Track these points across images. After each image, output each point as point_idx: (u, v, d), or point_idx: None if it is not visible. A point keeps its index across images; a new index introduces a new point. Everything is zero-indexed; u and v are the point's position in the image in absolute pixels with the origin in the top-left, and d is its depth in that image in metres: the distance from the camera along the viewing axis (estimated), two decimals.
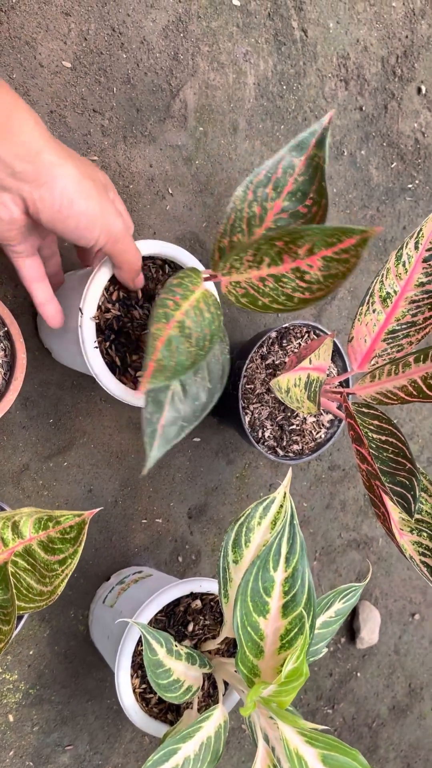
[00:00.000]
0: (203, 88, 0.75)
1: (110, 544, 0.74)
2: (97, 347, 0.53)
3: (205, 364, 0.44)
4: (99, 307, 0.54)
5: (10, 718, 0.68)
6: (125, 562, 0.74)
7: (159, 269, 0.58)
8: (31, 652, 0.69)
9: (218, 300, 0.46)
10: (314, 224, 0.45)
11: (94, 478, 0.72)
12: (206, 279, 0.46)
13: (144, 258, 0.56)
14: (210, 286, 0.54)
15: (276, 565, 0.50)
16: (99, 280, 0.53)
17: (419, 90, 0.90)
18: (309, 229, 0.38)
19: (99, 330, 0.54)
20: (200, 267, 0.55)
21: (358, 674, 0.94)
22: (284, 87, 0.81)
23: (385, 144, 0.89)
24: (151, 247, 0.55)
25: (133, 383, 0.56)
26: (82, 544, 0.45)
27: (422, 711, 1.00)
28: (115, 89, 0.70)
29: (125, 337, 0.56)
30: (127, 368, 0.56)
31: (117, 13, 0.69)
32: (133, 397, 0.54)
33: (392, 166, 0.90)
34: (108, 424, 0.72)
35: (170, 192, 0.74)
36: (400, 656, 0.98)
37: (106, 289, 0.55)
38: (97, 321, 0.54)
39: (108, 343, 0.55)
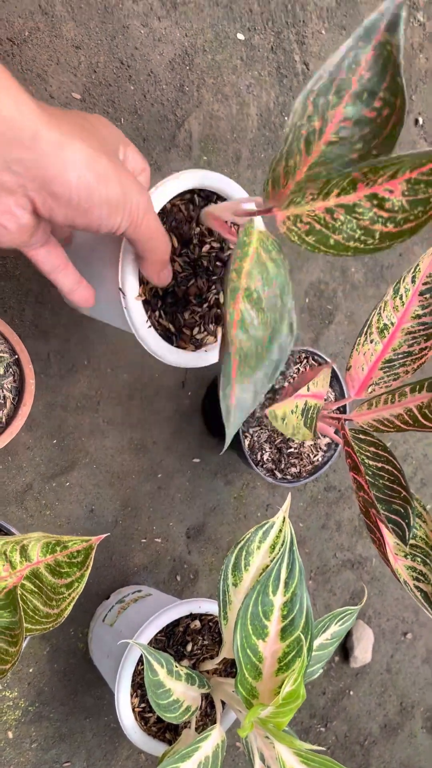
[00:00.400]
0: (207, 119, 0.78)
1: (110, 563, 0.75)
2: (150, 326, 0.48)
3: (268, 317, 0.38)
4: (139, 281, 0.48)
5: (10, 734, 0.69)
6: (125, 581, 0.76)
7: (188, 203, 0.49)
8: (31, 670, 0.70)
9: (276, 240, 0.38)
10: (386, 131, 0.36)
11: (95, 498, 0.73)
12: (257, 213, 0.39)
13: (173, 198, 0.48)
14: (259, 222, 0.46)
15: (275, 590, 0.51)
16: (129, 260, 0.46)
17: (416, 121, 0.93)
18: (394, 158, 0.32)
19: (145, 303, 0.48)
20: (244, 194, 0.49)
21: (351, 693, 0.95)
22: (286, 118, 0.83)
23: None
24: (186, 181, 0.47)
25: (194, 344, 0.51)
26: (89, 568, 0.46)
27: (413, 729, 1.02)
28: (122, 119, 0.72)
29: (172, 297, 0.49)
30: (181, 331, 0.51)
31: (125, 47, 0.71)
32: (200, 359, 0.51)
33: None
34: (110, 445, 0.74)
35: None
36: (392, 675, 0.99)
37: None
38: (143, 298, 0.48)
39: (157, 313, 0.49)
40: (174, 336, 0.50)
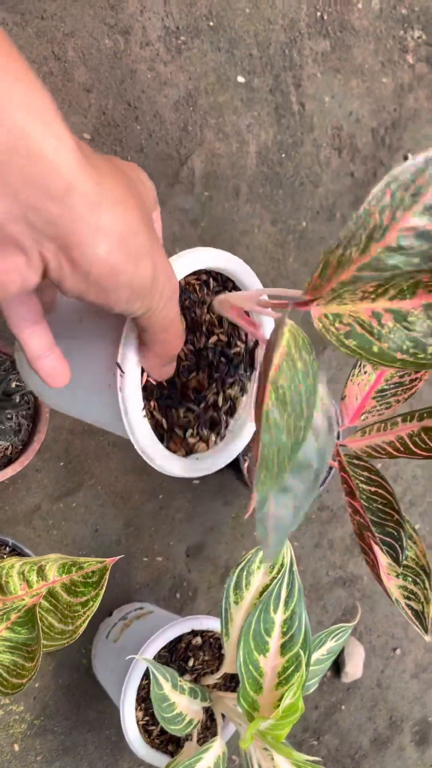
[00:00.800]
0: (209, 157, 0.82)
1: (113, 581, 0.78)
2: (145, 416, 0.39)
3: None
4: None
5: (16, 747, 0.72)
6: (127, 598, 0.79)
7: (203, 285, 0.43)
8: (36, 685, 0.73)
9: (307, 338, 0.33)
10: None
11: (100, 518, 0.77)
12: (292, 305, 0.34)
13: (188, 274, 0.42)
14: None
15: (276, 608, 0.54)
16: (133, 332, 0.38)
17: (406, 158, 0.98)
18: None
19: (142, 388, 0.40)
20: (260, 285, 0.44)
21: (343, 707, 0.98)
22: (283, 155, 0.87)
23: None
24: (201, 260, 0.40)
25: (184, 448, 0.43)
26: (104, 587, 0.49)
27: (402, 743, 1.05)
28: (129, 157, 0.76)
29: (169, 386, 0.42)
30: (173, 431, 0.43)
31: (133, 90, 0.75)
32: (191, 468, 0.42)
33: None
34: (114, 467, 0.77)
35: (177, 252, 0.80)
36: (383, 690, 1.02)
37: None
38: (144, 385, 0.40)
39: (153, 403, 0.41)
40: (165, 434, 0.42)
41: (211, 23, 0.80)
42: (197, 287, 0.42)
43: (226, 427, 0.45)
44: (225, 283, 0.43)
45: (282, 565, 0.57)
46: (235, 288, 0.43)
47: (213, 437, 0.44)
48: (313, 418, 0.31)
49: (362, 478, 0.65)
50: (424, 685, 1.06)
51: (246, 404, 0.46)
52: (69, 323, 0.42)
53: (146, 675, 0.64)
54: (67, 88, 0.71)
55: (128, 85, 0.75)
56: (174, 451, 0.42)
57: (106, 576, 0.50)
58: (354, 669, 0.96)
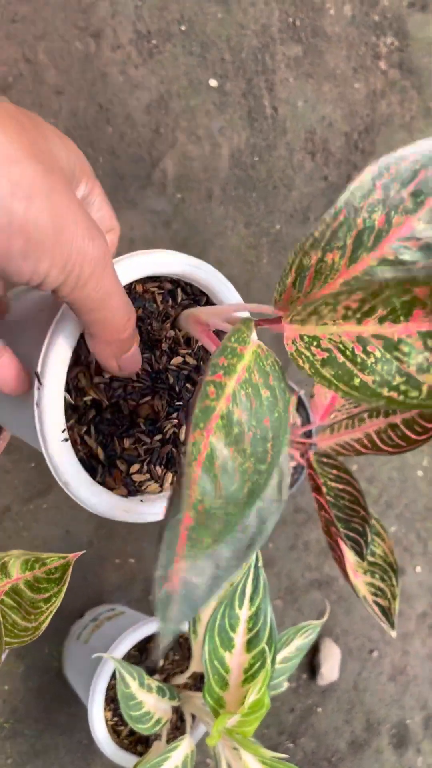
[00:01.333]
0: (182, 159, 0.82)
1: (85, 583, 0.78)
2: (67, 439, 0.32)
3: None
4: (72, 372, 0.33)
5: None
6: (99, 600, 0.78)
7: (168, 296, 0.36)
8: (6, 687, 0.72)
9: (278, 362, 0.28)
10: None
11: (71, 519, 0.76)
12: (261, 322, 0.28)
13: (145, 280, 0.35)
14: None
15: (241, 604, 0.55)
16: (65, 333, 0.31)
17: None
18: None
19: (72, 407, 0.34)
20: (237, 296, 0.36)
21: (319, 710, 0.98)
22: (256, 158, 0.88)
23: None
24: (158, 263, 0.33)
25: (126, 487, 0.35)
26: (66, 583, 0.49)
27: (379, 746, 1.04)
28: (101, 159, 0.77)
29: (113, 410, 0.35)
30: (114, 463, 0.35)
31: (104, 92, 0.76)
32: (130, 512, 0.34)
33: None
34: None
35: None
36: (359, 692, 1.02)
37: (82, 336, 0.32)
38: (67, 399, 0.33)
39: (85, 427, 0.34)
40: (101, 466, 0.34)
41: (183, 27, 0.81)
42: (158, 296, 0.35)
43: None
44: (197, 296, 0.36)
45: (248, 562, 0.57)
46: (210, 303, 0.37)
47: (170, 477, 0.36)
48: (278, 462, 0.25)
49: (331, 476, 0.65)
50: (401, 687, 1.06)
51: None
52: (17, 332, 0.36)
53: (115, 675, 0.64)
54: (38, 90, 0.72)
55: (99, 87, 0.75)
56: (111, 488, 0.34)
57: (69, 572, 0.49)
58: (330, 671, 0.96)
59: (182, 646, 0.68)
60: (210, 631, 0.53)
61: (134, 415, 0.35)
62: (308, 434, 0.78)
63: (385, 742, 1.05)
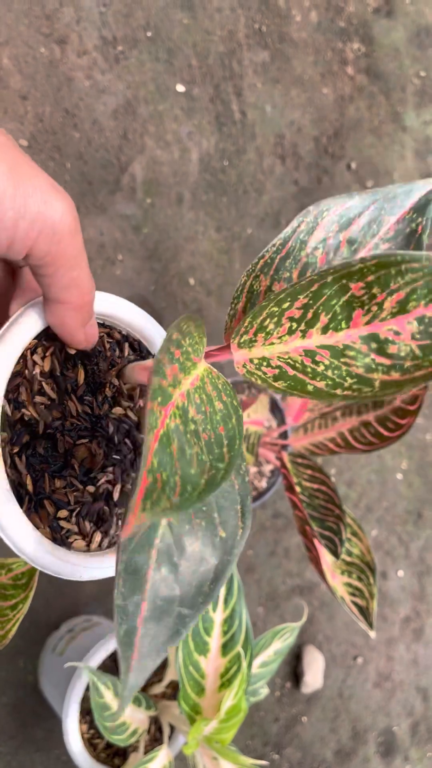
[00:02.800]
0: (151, 164, 0.82)
1: (61, 594, 0.76)
2: None
3: (212, 496, 0.26)
4: (13, 382, 0.31)
5: None
6: (75, 612, 0.77)
7: (117, 346, 0.35)
8: None
9: (229, 384, 0.28)
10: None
11: None
12: (210, 353, 0.29)
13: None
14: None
15: (215, 607, 0.53)
16: (21, 330, 0.30)
17: (348, 166, 0.99)
18: (412, 269, 0.24)
19: (6, 422, 0.31)
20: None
21: (304, 719, 0.97)
22: (226, 163, 0.88)
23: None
24: (104, 304, 0.33)
25: (52, 531, 0.31)
26: (33, 589, 0.48)
27: (366, 754, 1.03)
28: (68, 164, 0.76)
29: (48, 442, 0.32)
30: (43, 500, 0.32)
31: (71, 97, 0.75)
32: (52, 558, 0.29)
33: None
34: None
35: (120, 258, 0.80)
36: (344, 700, 1.01)
37: (30, 351, 0.32)
38: (5, 409, 0.31)
39: (17, 448, 0.31)
40: (27, 498, 0.31)
41: (149, 34, 0.81)
42: (106, 344, 0.35)
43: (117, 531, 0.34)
44: (144, 355, 0.36)
45: None
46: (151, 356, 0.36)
47: (98, 537, 0.32)
48: (236, 463, 0.25)
49: (305, 476, 0.64)
50: (386, 693, 1.05)
51: None
52: None
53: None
54: (2, 95, 0.71)
55: (65, 92, 0.75)
56: (35, 524, 0.31)
57: (36, 577, 0.48)
58: (314, 679, 0.95)
59: None
60: None
61: (69, 456, 0.33)
62: (283, 435, 0.77)
63: (372, 751, 1.04)
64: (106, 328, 0.35)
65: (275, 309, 0.26)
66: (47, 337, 0.32)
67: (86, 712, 0.63)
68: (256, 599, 0.92)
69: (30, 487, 0.31)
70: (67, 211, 0.26)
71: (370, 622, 0.59)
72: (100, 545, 0.32)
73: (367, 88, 1.00)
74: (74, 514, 0.32)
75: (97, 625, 0.72)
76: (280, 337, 0.27)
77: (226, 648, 0.54)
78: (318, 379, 0.27)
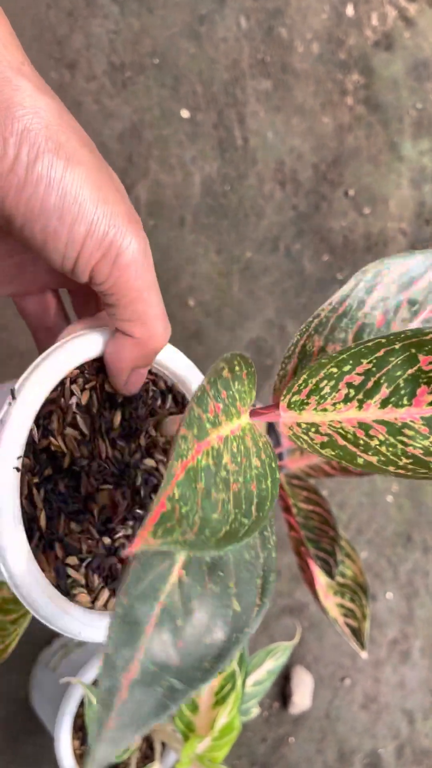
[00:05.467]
0: (154, 187, 0.84)
1: None
2: (18, 469, 0.27)
3: (231, 559, 0.23)
4: (47, 408, 0.29)
5: None
6: None
7: (160, 395, 0.33)
8: None
9: (271, 445, 0.26)
10: None
11: None
12: (257, 410, 0.26)
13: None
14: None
15: None
16: (67, 354, 0.28)
17: (346, 193, 1.01)
18: None
19: (31, 448, 0.29)
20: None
21: (291, 739, 0.97)
22: (227, 187, 0.90)
23: (317, 239, 0.99)
24: (167, 354, 0.32)
25: (57, 577, 0.28)
26: None
27: None
28: None
29: (71, 481, 0.30)
30: (53, 542, 0.29)
31: (79, 121, 0.77)
32: (58, 608, 0.27)
33: (324, 259, 1.00)
34: None
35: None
36: (331, 721, 1.01)
37: (71, 380, 0.29)
38: (32, 433, 0.28)
39: (38, 480, 0.29)
40: (38, 536, 0.28)
41: (156, 61, 0.83)
42: (150, 391, 0.33)
43: None
44: (180, 401, 0.33)
45: None
46: None
47: (105, 595, 0.29)
48: (263, 524, 0.22)
49: (301, 497, 0.66)
50: (373, 715, 1.05)
51: None
52: None
53: (83, 702, 0.63)
54: None
55: (74, 116, 0.77)
56: (44, 570, 0.28)
57: None
58: (302, 699, 0.95)
59: None
60: None
61: (90, 500, 0.30)
62: (279, 456, 0.78)
63: None
64: (152, 375, 0.33)
65: (334, 370, 0.24)
66: (91, 370, 0.30)
67: (78, 728, 0.64)
68: None
69: (42, 524, 0.28)
70: (135, 242, 0.25)
71: (362, 642, 0.60)
72: (105, 605, 0.29)
73: (366, 118, 1.02)
74: (84, 564, 0.29)
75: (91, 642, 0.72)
76: (334, 404, 0.25)
77: None
78: (370, 453, 0.25)
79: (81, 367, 0.30)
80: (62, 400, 0.29)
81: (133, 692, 0.19)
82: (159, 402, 0.33)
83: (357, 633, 0.61)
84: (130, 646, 0.20)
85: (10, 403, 0.27)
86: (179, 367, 0.32)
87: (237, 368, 0.24)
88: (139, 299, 0.26)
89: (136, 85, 0.81)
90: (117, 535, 0.30)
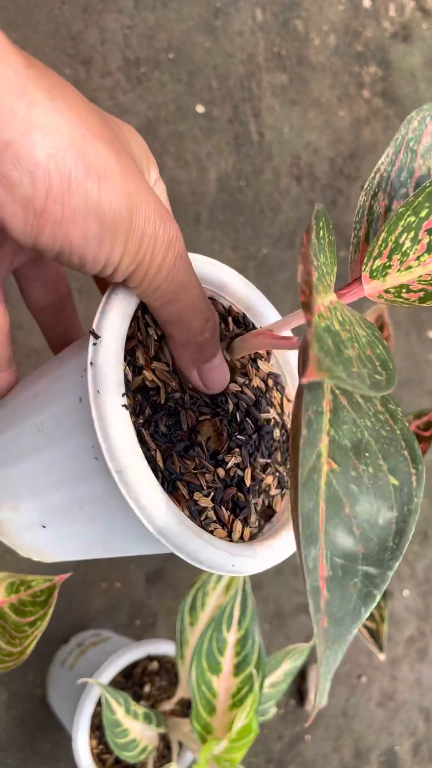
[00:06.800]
0: (170, 183, 0.83)
1: (70, 608, 0.77)
2: (126, 406, 0.25)
3: (370, 439, 0.23)
4: (129, 344, 0.27)
5: None
6: (84, 626, 0.77)
7: (221, 319, 0.31)
8: None
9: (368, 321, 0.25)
10: None
11: None
12: (338, 293, 0.25)
13: None
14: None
15: (229, 627, 0.54)
16: (123, 299, 0.26)
17: (363, 187, 1.00)
18: None
19: (127, 387, 0.27)
20: (276, 315, 0.32)
21: (307, 737, 0.97)
22: (243, 183, 0.89)
23: (334, 234, 0.98)
24: (207, 270, 0.30)
25: (191, 517, 0.27)
26: (52, 606, 0.48)
27: None
28: None
29: (170, 419, 0.28)
30: (176, 481, 0.27)
31: None
32: (211, 545, 0.26)
33: (341, 254, 0.99)
34: None
35: None
36: (348, 718, 1.01)
37: (142, 311, 0.28)
38: (125, 372, 0.27)
39: (141, 420, 0.27)
40: (162, 477, 0.27)
41: (171, 56, 0.82)
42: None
43: (258, 525, 0.30)
44: (249, 328, 0.32)
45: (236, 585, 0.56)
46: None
47: (239, 526, 0.28)
48: (393, 382, 0.21)
49: None
50: (390, 713, 1.05)
51: (286, 514, 0.30)
52: (21, 426, 0.29)
53: (100, 702, 0.63)
54: None
55: None
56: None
57: (55, 594, 0.49)
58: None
59: (169, 671, 0.67)
60: (197, 655, 0.53)
61: (195, 432, 0.29)
62: None
63: None
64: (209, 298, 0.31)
65: (412, 219, 0.23)
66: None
67: (95, 727, 0.64)
68: (262, 616, 0.92)
69: (161, 465, 0.27)
70: (167, 240, 0.24)
71: (381, 644, 0.59)
72: (242, 536, 0.28)
73: (383, 111, 1.01)
74: (214, 501, 0.28)
75: (107, 639, 0.72)
76: (418, 258, 0.24)
77: (238, 668, 0.54)
78: None
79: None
80: (139, 334, 0.28)
81: (332, 589, 0.20)
82: (222, 326, 0.31)
83: (375, 635, 0.60)
84: (313, 543, 0.20)
85: (94, 344, 0.25)
86: (234, 285, 0.31)
87: (322, 234, 0.23)
88: (174, 302, 0.26)
89: (150, 80, 0.80)
90: (228, 465, 0.29)
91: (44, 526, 0.30)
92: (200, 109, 0.85)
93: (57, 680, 0.72)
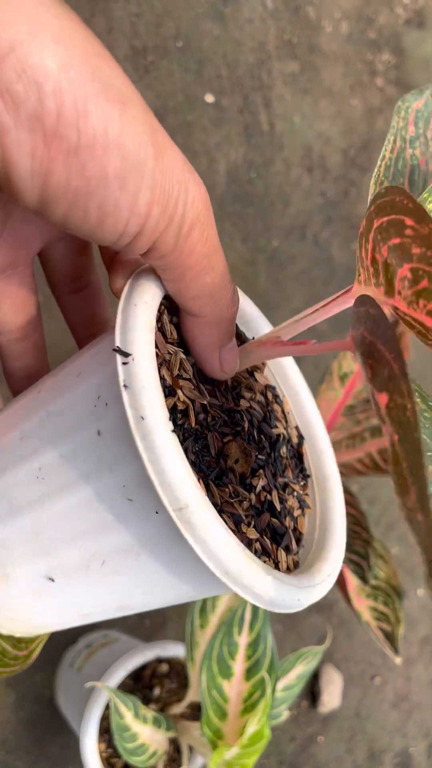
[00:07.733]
0: None
1: None
2: (174, 431, 0.22)
3: None
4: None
5: None
6: (93, 627, 0.76)
7: None
8: None
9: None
10: None
11: None
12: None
13: None
14: None
15: (240, 631, 0.52)
16: (146, 294, 0.23)
17: None
18: None
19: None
20: (266, 322, 0.31)
21: (320, 738, 0.95)
22: (253, 174, 0.87)
23: (346, 226, 0.96)
24: None
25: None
26: None
27: None
28: None
29: (195, 443, 0.25)
30: (220, 514, 0.24)
31: None
32: (282, 582, 0.23)
33: (353, 247, 0.97)
34: None
35: None
36: (361, 720, 0.99)
37: (161, 321, 0.25)
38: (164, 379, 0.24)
39: (186, 447, 0.24)
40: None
41: (179, 44, 0.81)
42: None
43: (296, 549, 0.27)
44: (244, 340, 0.30)
45: None
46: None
47: (283, 555, 0.26)
48: None
49: None
50: (404, 714, 1.03)
51: (316, 533, 0.28)
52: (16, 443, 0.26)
53: (109, 705, 0.62)
54: None
55: None
56: None
57: None
58: (331, 698, 0.93)
59: (179, 673, 0.66)
60: (207, 659, 0.51)
61: (222, 457, 0.26)
62: None
63: None
64: None
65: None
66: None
67: (104, 731, 0.62)
68: (274, 616, 0.91)
69: (205, 491, 0.24)
70: (199, 197, 0.20)
71: (396, 647, 0.58)
72: (288, 566, 0.26)
73: (397, 100, 0.99)
74: (254, 529, 0.25)
75: (116, 641, 0.71)
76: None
77: (250, 672, 0.53)
78: None
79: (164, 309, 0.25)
80: (158, 348, 0.24)
81: None
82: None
83: (390, 637, 0.58)
84: None
85: (125, 363, 0.21)
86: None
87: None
88: (207, 269, 0.22)
89: (159, 69, 0.79)
90: (257, 489, 0.26)
91: (42, 595, 0.26)
92: (209, 98, 0.83)
93: (65, 682, 0.71)
